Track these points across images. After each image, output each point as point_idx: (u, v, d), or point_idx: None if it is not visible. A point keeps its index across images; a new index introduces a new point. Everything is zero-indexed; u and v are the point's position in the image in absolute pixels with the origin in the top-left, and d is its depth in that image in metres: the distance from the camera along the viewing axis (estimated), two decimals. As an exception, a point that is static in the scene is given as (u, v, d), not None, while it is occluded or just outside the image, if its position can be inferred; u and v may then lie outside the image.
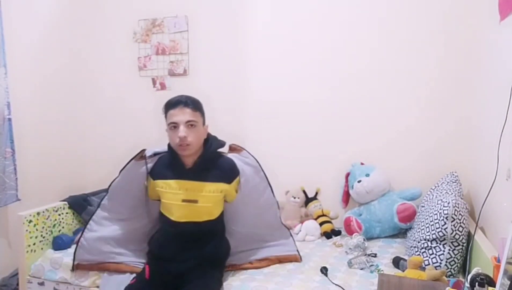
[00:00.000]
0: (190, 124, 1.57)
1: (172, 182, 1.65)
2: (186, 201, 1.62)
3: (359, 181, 2.22)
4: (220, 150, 1.76)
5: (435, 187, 2.02)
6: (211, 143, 1.69)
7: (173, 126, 1.58)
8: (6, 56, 2.19)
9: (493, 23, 1.76)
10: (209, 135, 1.72)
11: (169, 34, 2.71)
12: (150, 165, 1.75)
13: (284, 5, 2.48)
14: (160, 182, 1.69)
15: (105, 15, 2.84)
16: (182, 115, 1.57)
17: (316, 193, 2.47)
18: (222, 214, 1.75)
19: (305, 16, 2.44)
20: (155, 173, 1.73)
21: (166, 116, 1.62)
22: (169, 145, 1.68)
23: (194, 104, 1.61)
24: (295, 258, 1.84)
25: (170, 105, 1.60)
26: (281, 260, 1.83)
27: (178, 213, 1.64)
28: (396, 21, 2.28)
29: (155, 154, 1.77)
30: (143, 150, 1.77)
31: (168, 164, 1.69)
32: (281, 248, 1.85)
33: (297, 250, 1.87)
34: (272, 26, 2.51)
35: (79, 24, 2.83)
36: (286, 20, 2.48)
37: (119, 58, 2.84)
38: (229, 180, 1.70)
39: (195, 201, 1.62)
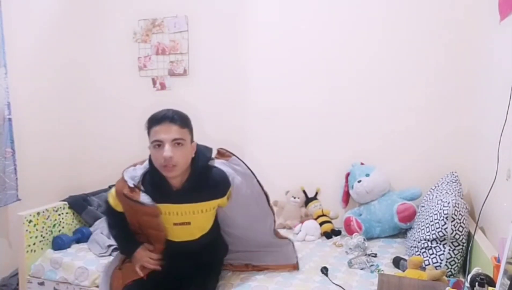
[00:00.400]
0: (177, 142, 1.38)
1: (160, 206, 1.47)
2: (178, 224, 1.50)
3: (359, 181, 2.22)
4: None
5: (435, 187, 2.02)
6: (198, 160, 1.49)
7: (158, 144, 1.38)
8: (6, 56, 2.20)
9: (493, 23, 1.76)
10: (198, 152, 1.52)
11: (169, 34, 2.71)
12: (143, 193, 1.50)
13: (284, 5, 2.48)
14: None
15: (105, 15, 2.84)
16: (168, 133, 1.37)
17: (316, 193, 2.47)
18: (215, 222, 1.65)
19: (305, 17, 2.44)
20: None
21: (149, 133, 1.42)
22: (151, 166, 1.47)
23: (181, 120, 1.41)
24: (293, 267, 1.74)
25: (155, 120, 1.40)
26: (278, 268, 1.74)
27: (170, 234, 1.54)
28: (396, 22, 2.28)
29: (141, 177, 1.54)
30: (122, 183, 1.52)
31: (153, 186, 1.48)
32: (280, 256, 1.75)
33: (297, 258, 1.77)
34: (272, 26, 2.51)
35: (79, 24, 2.83)
36: (286, 20, 2.48)
37: (119, 58, 2.84)
38: (222, 195, 1.54)
39: (188, 223, 1.50)
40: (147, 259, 1.53)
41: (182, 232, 1.53)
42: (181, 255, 1.57)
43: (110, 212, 1.62)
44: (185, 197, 1.47)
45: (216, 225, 1.68)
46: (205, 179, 1.50)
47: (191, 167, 1.47)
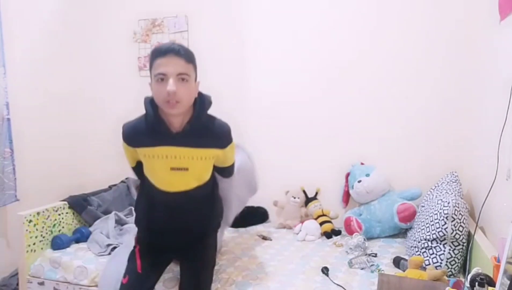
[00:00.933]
0: (181, 78, 1.30)
1: (157, 149, 1.39)
2: (175, 169, 1.41)
3: (359, 181, 2.22)
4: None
5: (435, 187, 2.02)
6: (202, 103, 1.43)
7: (161, 78, 1.30)
8: (5, 56, 2.19)
9: (493, 23, 1.76)
10: (201, 94, 1.45)
11: (169, 34, 2.70)
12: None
13: (284, 5, 2.48)
14: (141, 149, 1.44)
15: (105, 15, 2.84)
16: (173, 65, 1.29)
17: (316, 193, 2.47)
18: (212, 177, 1.56)
19: (306, 17, 2.44)
20: (133, 140, 1.46)
21: (151, 66, 1.33)
22: (150, 104, 1.41)
23: (187, 55, 1.33)
24: None
25: (159, 52, 1.31)
26: None
27: (165, 181, 1.45)
28: (397, 22, 2.28)
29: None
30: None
31: (149, 129, 1.41)
32: None
33: None
34: (272, 26, 2.51)
35: (78, 24, 2.82)
36: (286, 20, 2.48)
37: (119, 58, 2.84)
38: (222, 146, 1.47)
39: (185, 169, 1.41)
40: None
41: (178, 179, 1.44)
42: (175, 211, 1.48)
43: (134, 171, 1.60)
44: (185, 140, 1.39)
45: (212, 184, 1.59)
46: (207, 125, 1.44)
47: (193, 108, 1.40)
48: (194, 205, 1.52)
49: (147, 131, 1.42)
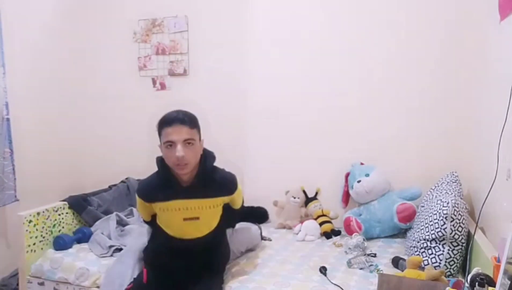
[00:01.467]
0: (187, 142, 1.47)
1: (171, 203, 1.57)
2: (188, 219, 1.57)
3: (358, 181, 2.22)
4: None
5: (435, 187, 2.02)
6: (206, 158, 1.60)
7: (169, 144, 1.47)
8: (4, 56, 2.19)
9: (493, 23, 1.76)
10: (205, 150, 1.63)
11: (169, 34, 2.71)
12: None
13: (284, 5, 2.48)
14: (156, 204, 1.61)
15: (105, 15, 2.84)
16: (179, 133, 1.46)
17: (316, 193, 2.47)
18: (221, 220, 1.69)
19: (306, 16, 2.44)
20: (149, 197, 1.62)
21: (160, 134, 1.51)
22: (161, 163, 1.57)
23: (191, 122, 1.51)
24: None
25: (166, 122, 1.49)
26: None
27: (178, 231, 1.61)
28: (396, 21, 2.28)
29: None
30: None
31: (161, 185, 1.58)
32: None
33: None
34: (272, 26, 2.51)
35: (78, 23, 2.83)
36: (286, 19, 2.48)
37: (119, 58, 2.84)
38: (229, 193, 1.65)
39: (197, 218, 1.58)
40: None
41: (191, 228, 1.59)
42: (186, 255, 1.61)
43: (149, 225, 1.79)
44: (194, 192, 1.56)
45: (222, 224, 1.71)
46: (213, 176, 1.61)
47: (199, 164, 1.57)
48: (205, 249, 1.63)
49: (160, 187, 1.59)
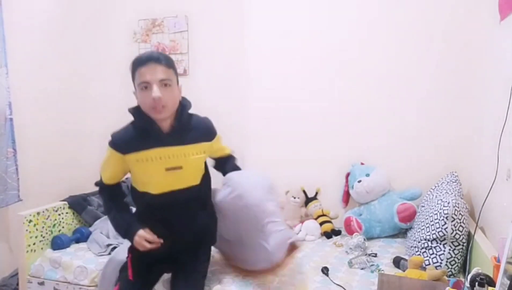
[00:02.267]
0: (164, 83, 1.37)
1: (150, 151, 1.42)
2: (170, 169, 1.44)
3: (359, 181, 2.22)
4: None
5: (435, 187, 2.02)
6: (185, 104, 1.52)
7: (145, 86, 1.36)
8: (7, 56, 2.19)
9: (493, 23, 1.76)
10: (183, 98, 1.54)
11: (169, 34, 2.71)
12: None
13: (284, 5, 2.48)
14: (134, 155, 1.44)
15: (105, 15, 2.84)
16: (155, 73, 1.35)
17: (316, 193, 2.47)
18: (206, 179, 1.59)
19: (306, 16, 2.44)
20: (125, 147, 1.45)
21: (134, 76, 1.39)
22: (137, 111, 1.45)
23: (167, 61, 1.39)
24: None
25: (140, 61, 1.37)
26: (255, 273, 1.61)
27: (160, 184, 1.46)
28: (396, 22, 2.28)
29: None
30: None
31: (139, 133, 1.45)
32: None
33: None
34: (272, 26, 2.51)
35: (79, 24, 2.82)
36: (286, 20, 2.48)
37: (119, 58, 2.84)
38: (209, 138, 1.57)
39: (180, 168, 1.45)
40: (143, 243, 1.43)
41: (174, 178, 1.46)
42: (171, 214, 1.48)
43: (105, 192, 1.57)
44: (175, 139, 1.45)
45: (206, 187, 1.62)
46: (191, 122, 1.52)
47: (178, 109, 1.47)
48: (188, 208, 1.52)
49: (138, 136, 1.45)
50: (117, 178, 1.54)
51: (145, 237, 1.43)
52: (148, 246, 1.43)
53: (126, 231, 1.49)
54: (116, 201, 1.56)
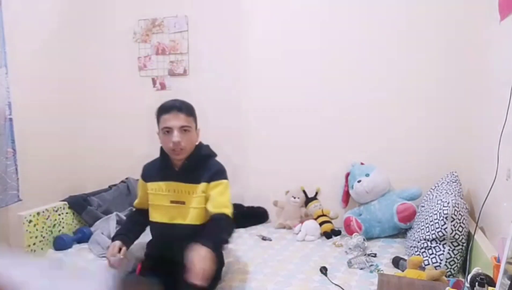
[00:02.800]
0: (183, 129, 1.56)
1: (162, 184, 1.64)
2: (174, 202, 1.61)
3: (359, 181, 2.22)
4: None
5: (435, 187, 2.02)
6: (201, 147, 1.68)
7: (167, 130, 1.55)
8: (7, 56, 2.19)
9: (493, 23, 1.76)
10: (201, 143, 1.70)
11: (169, 34, 2.71)
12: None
13: (284, 5, 2.48)
14: (151, 185, 1.68)
15: (105, 15, 2.84)
16: (176, 120, 1.54)
17: (316, 193, 2.47)
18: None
19: (305, 17, 2.44)
20: (147, 177, 1.71)
21: (159, 121, 1.60)
22: (161, 149, 1.67)
23: (187, 110, 1.59)
24: None
25: (164, 109, 1.58)
26: None
27: (166, 215, 1.62)
28: (396, 22, 2.28)
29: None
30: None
31: (159, 167, 1.68)
32: None
33: None
34: (272, 26, 2.51)
35: (79, 24, 2.83)
36: (286, 20, 2.48)
37: (119, 58, 2.84)
38: (210, 180, 1.58)
39: (183, 203, 1.60)
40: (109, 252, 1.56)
41: (176, 212, 1.61)
42: (175, 242, 1.51)
43: (133, 214, 1.84)
44: (183, 176, 1.62)
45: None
46: (204, 164, 1.64)
47: (193, 151, 1.63)
48: (187, 245, 1.45)
49: (157, 169, 1.69)
50: (143, 203, 1.74)
51: (112, 249, 1.57)
52: (110, 257, 1.54)
53: (113, 237, 1.69)
54: (130, 217, 1.85)
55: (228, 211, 1.54)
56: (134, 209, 1.86)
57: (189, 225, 1.60)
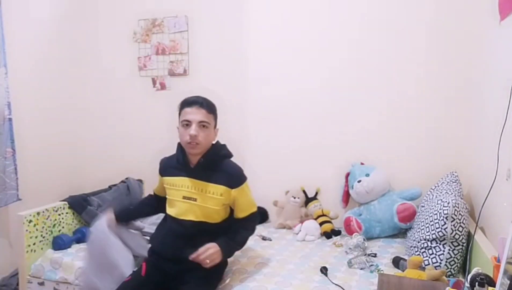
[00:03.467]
0: (202, 125, 1.59)
1: (176, 179, 1.68)
2: (186, 198, 1.64)
3: (359, 181, 2.22)
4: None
5: (435, 187, 2.02)
6: (218, 147, 1.71)
7: (186, 123, 1.60)
8: (6, 56, 2.19)
9: (493, 23, 1.76)
10: (218, 142, 1.74)
11: (169, 34, 2.71)
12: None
13: (284, 5, 2.48)
14: (166, 179, 1.73)
15: (105, 15, 2.84)
16: (197, 114, 1.59)
17: (316, 193, 2.47)
18: (226, 223, 1.70)
19: (305, 17, 2.44)
20: (163, 171, 1.77)
21: (180, 113, 1.65)
22: (178, 145, 1.71)
23: (209, 107, 1.64)
24: None
25: (187, 103, 1.63)
26: None
27: (178, 209, 1.66)
28: (396, 21, 2.28)
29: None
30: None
31: (175, 162, 1.71)
32: None
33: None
34: (272, 26, 2.51)
35: (79, 24, 2.83)
36: (286, 20, 2.48)
37: (119, 58, 2.84)
38: (231, 185, 1.63)
39: (194, 199, 1.63)
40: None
41: (187, 208, 1.64)
42: (183, 238, 1.62)
43: (147, 197, 1.98)
44: (198, 173, 1.64)
45: (224, 230, 1.66)
46: (221, 165, 1.67)
47: (209, 149, 1.66)
48: (196, 242, 1.56)
49: (173, 164, 1.72)
50: (159, 191, 1.83)
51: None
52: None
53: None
54: (143, 199, 2.08)
55: (254, 208, 1.74)
56: (151, 194, 1.93)
57: (200, 223, 1.63)
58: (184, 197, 1.64)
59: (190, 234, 1.62)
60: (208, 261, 1.49)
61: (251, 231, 1.75)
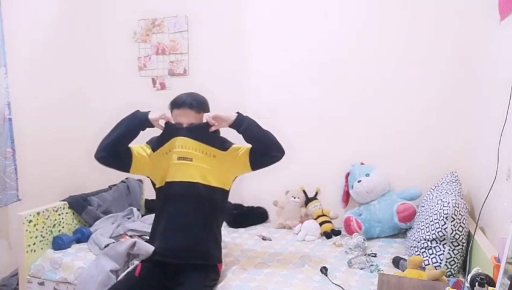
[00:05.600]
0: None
1: (169, 143, 1.67)
2: (181, 158, 1.64)
3: (359, 181, 2.22)
4: None
5: (435, 187, 2.02)
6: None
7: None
8: (6, 56, 2.19)
9: (493, 23, 1.76)
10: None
11: (169, 34, 2.71)
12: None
13: (283, 5, 2.48)
14: (159, 151, 1.70)
15: (105, 15, 2.84)
16: (185, 117, 1.63)
17: (316, 193, 2.47)
18: (223, 194, 1.72)
19: (305, 16, 2.44)
20: (156, 146, 1.74)
21: (171, 112, 1.69)
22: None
23: (199, 106, 1.66)
24: None
25: (175, 104, 1.66)
26: None
27: (173, 172, 1.65)
28: (397, 22, 2.28)
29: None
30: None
31: (168, 126, 1.71)
32: None
33: None
34: (272, 26, 2.51)
35: (79, 23, 2.83)
36: (286, 20, 2.49)
37: (119, 58, 2.84)
38: (223, 147, 1.71)
39: (190, 159, 1.64)
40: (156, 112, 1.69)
41: (183, 169, 1.64)
42: (180, 206, 1.61)
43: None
44: (191, 133, 1.66)
45: (221, 201, 1.72)
46: (214, 133, 1.72)
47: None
48: (192, 207, 1.60)
49: (164, 135, 1.72)
50: (134, 150, 1.72)
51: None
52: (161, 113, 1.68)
53: (135, 114, 1.78)
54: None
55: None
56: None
57: (196, 184, 1.63)
58: (179, 158, 1.64)
59: (188, 197, 1.61)
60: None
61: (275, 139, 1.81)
